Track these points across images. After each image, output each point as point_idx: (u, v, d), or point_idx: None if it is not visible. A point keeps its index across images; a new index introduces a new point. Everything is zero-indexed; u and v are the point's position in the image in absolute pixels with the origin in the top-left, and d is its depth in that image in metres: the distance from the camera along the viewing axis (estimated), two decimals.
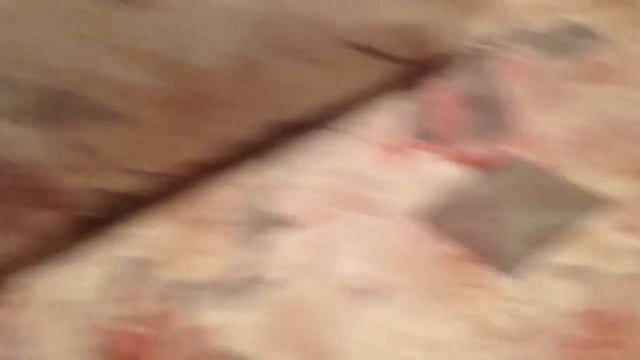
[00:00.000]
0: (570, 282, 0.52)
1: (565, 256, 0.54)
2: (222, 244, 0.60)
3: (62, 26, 0.59)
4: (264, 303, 0.55)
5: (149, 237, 0.63)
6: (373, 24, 0.67)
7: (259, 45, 0.63)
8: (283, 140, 0.69)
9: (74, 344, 0.56)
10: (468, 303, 0.52)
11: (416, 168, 0.63)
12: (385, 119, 0.68)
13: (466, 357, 0.49)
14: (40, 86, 0.60)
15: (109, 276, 0.60)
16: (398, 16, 0.68)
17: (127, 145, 0.63)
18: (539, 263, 0.54)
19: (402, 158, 0.64)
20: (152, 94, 0.62)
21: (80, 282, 0.61)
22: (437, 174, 0.62)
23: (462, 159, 0.63)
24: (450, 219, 0.58)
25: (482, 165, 0.62)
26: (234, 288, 0.57)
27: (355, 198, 0.62)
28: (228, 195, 0.65)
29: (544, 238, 0.55)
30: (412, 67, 0.71)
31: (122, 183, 0.65)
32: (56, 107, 0.61)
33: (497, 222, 0.57)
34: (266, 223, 0.62)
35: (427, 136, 0.65)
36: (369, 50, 0.68)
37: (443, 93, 0.69)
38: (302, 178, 0.65)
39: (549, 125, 0.63)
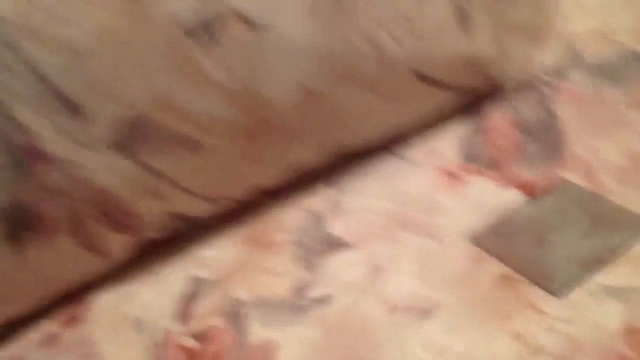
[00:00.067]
0: (617, 303, 0.53)
1: (612, 278, 0.55)
2: (283, 264, 0.64)
3: (141, 60, 0.64)
4: (319, 320, 0.59)
5: (214, 257, 0.68)
6: (437, 56, 0.70)
7: (325, 77, 0.67)
8: (345, 165, 0.73)
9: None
10: (515, 322, 0.54)
11: (471, 192, 0.66)
12: (444, 145, 0.71)
13: None
14: (118, 116, 0.65)
15: (176, 295, 0.65)
16: (461, 48, 0.71)
17: (198, 171, 0.68)
18: (586, 284, 0.55)
19: (458, 182, 0.67)
20: (224, 123, 0.66)
21: (149, 301, 0.65)
22: (491, 198, 0.64)
23: (516, 184, 0.65)
24: (501, 242, 0.60)
25: (535, 189, 0.64)
26: (293, 306, 0.61)
27: (411, 220, 0.65)
28: (291, 217, 0.69)
29: (593, 260, 0.56)
30: (473, 95, 0.73)
31: (192, 207, 0.70)
32: (133, 135, 0.65)
33: (547, 245, 0.59)
34: (325, 244, 0.65)
35: (484, 161, 0.68)
36: (433, 81, 0.71)
37: (501, 120, 0.71)
38: (362, 201, 0.68)
39: (603, 151, 0.64)
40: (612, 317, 0.53)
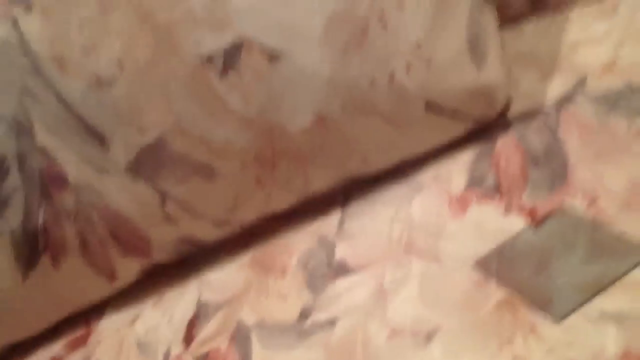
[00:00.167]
0: (615, 328, 0.54)
1: (611, 303, 0.55)
2: (289, 288, 0.66)
3: (161, 88, 0.66)
4: (323, 344, 0.60)
5: (220, 280, 0.69)
6: (449, 86, 0.71)
7: (337, 105, 0.69)
8: (353, 189, 0.74)
9: None
10: (516, 346, 0.55)
11: (476, 217, 0.67)
12: (451, 171, 0.72)
13: None
14: (136, 142, 0.67)
15: (181, 317, 0.66)
16: (472, 78, 0.72)
17: (211, 196, 0.69)
18: (586, 309, 0.55)
19: (464, 208, 0.68)
20: (238, 149, 0.68)
21: (154, 323, 0.67)
22: (495, 223, 0.65)
23: (520, 210, 0.66)
24: (503, 266, 0.61)
25: (538, 215, 0.64)
26: (297, 329, 0.62)
27: (416, 245, 0.66)
28: (298, 241, 0.70)
29: (593, 286, 0.57)
30: (481, 123, 0.75)
31: (202, 231, 0.71)
32: (150, 161, 0.67)
33: (548, 270, 0.59)
34: (332, 268, 0.67)
35: (491, 189, 0.69)
36: (443, 110, 0.72)
37: (507, 147, 0.73)
38: (368, 225, 0.70)
39: (606, 179, 0.65)
40: (611, 342, 0.53)
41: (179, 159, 0.67)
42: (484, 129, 0.76)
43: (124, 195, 0.68)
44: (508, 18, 0.95)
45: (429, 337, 0.57)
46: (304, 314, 0.63)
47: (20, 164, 0.67)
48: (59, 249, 0.68)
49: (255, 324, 0.63)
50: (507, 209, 0.66)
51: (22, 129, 0.67)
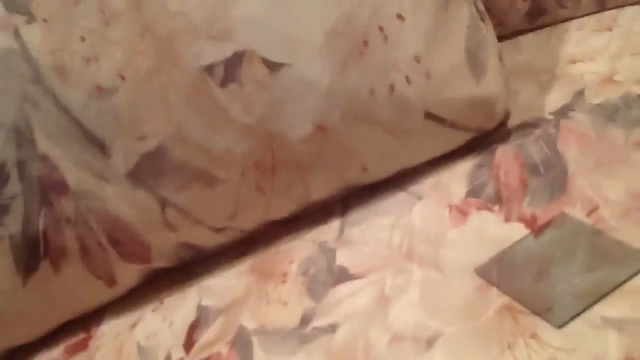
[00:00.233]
0: (616, 335, 0.54)
1: (612, 310, 0.56)
2: (289, 294, 0.66)
3: (162, 96, 0.67)
4: (324, 349, 0.60)
5: (220, 286, 0.69)
6: (448, 97, 0.72)
7: (337, 115, 0.69)
8: (353, 198, 0.74)
9: None
10: (517, 352, 0.55)
11: (476, 226, 0.67)
12: (451, 180, 0.73)
13: None
14: (136, 149, 0.67)
15: (182, 323, 0.66)
16: (471, 89, 0.73)
17: (210, 203, 0.69)
18: (587, 316, 0.56)
19: (464, 216, 0.68)
20: (238, 157, 0.68)
21: (154, 329, 0.67)
22: (495, 231, 0.66)
23: (520, 218, 0.66)
24: (504, 273, 0.61)
25: (539, 224, 0.65)
26: (298, 335, 0.62)
27: (417, 252, 0.66)
28: (298, 248, 0.70)
29: (593, 293, 0.57)
30: (480, 133, 0.75)
31: (202, 237, 0.71)
32: (150, 168, 0.67)
33: (549, 277, 0.60)
34: (332, 274, 0.67)
35: (489, 196, 0.69)
36: (442, 120, 0.73)
37: (506, 157, 0.73)
38: (368, 233, 0.70)
39: (605, 189, 0.65)
40: (612, 348, 0.53)
41: (179, 166, 0.68)
42: (484, 139, 0.76)
43: (124, 202, 0.68)
44: (506, 31, 0.96)
45: (430, 342, 0.57)
46: (305, 320, 0.63)
47: (21, 171, 0.67)
48: (59, 255, 0.68)
49: (256, 330, 0.63)
50: (507, 218, 0.67)
51: (22, 136, 0.67)
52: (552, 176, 0.69)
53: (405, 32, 0.70)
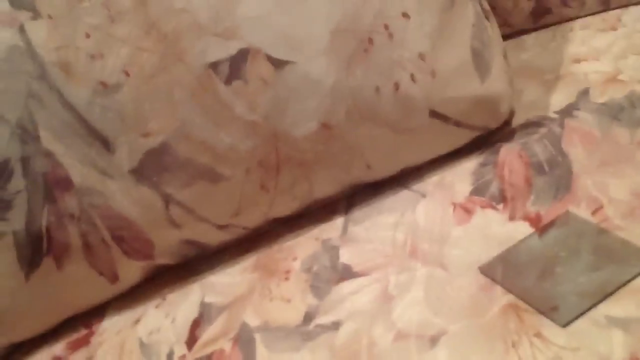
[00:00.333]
0: (621, 334, 0.54)
1: (617, 309, 0.56)
2: (292, 291, 0.66)
3: (166, 93, 0.66)
4: (327, 346, 0.60)
5: (223, 283, 0.69)
6: (453, 95, 0.72)
7: (342, 113, 0.69)
8: (358, 196, 0.74)
9: None
10: (521, 351, 0.54)
11: (480, 224, 0.67)
12: (456, 178, 0.73)
13: None
14: (141, 146, 0.67)
15: (184, 319, 0.66)
16: (476, 88, 0.73)
17: (214, 200, 0.69)
18: (591, 315, 0.56)
19: (468, 215, 0.68)
20: (243, 154, 0.68)
21: (157, 325, 0.67)
22: (499, 230, 0.65)
23: (525, 217, 0.66)
24: (508, 272, 0.61)
25: (543, 223, 0.65)
26: (302, 332, 0.62)
27: (421, 250, 0.66)
28: (302, 245, 0.70)
29: (598, 292, 0.57)
30: (485, 132, 0.75)
31: (206, 234, 0.71)
32: (154, 165, 0.67)
33: (553, 276, 0.59)
34: (336, 272, 0.66)
35: (495, 196, 0.69)
36: (447, 119, 0.73)
37: (511, 156, 0.73)
38: (372, 231, 0.70)
39: (610, 188, 0.65)
40: (617, 347, 0.53)
41: (183, 163, 0.68)
42: (488, 138, 0.76)
43: (127, 199, 0.68)
44: (511, 31, 0.96)
45: (434, 340, 0.57)
46: (308, 317, 0.63)
47: (25, 167, 0.67)
48: (62, 251, 0.68)
49: (259, 327, 0.63)
50: (512, 217, 0.66)
51: (27, 133, 0.67)
52: (556, 175, 0.69)
53: (411, 31, 0.70)
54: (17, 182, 0.67)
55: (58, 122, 0.67)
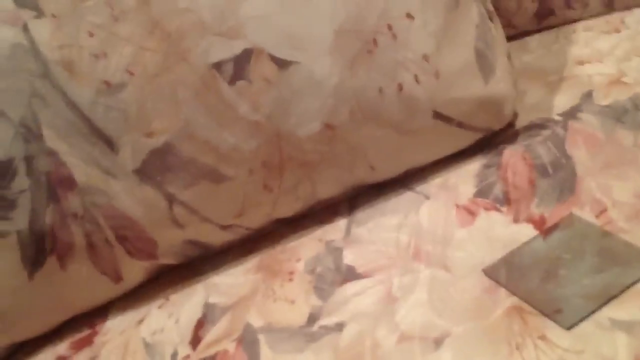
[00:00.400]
0: (625, 336, 0.54)
1: (621, 311, 0.56)
2: (296, 292, 0.66)
3: (170, 93, 0.66)
4: (331, 348, 0.60)
5: (227, 284, 0.69)
6: (457, 97, 0.72)
7: (346, 113, 0.69)
8: (361, 197, 0.74)
9: None
10: (525, 353, 0.55)
11: (484, 226, 0.67)
12: (459, 180, 0.73)
13: None
14: (144, 146, 0.67)
15: (188, 320, 0.66)
16: (480, 90, 0.73)
17: (218, 200, 0.69)
18: (595, 317, 0.56)
19: (472, 217, 0.68)
20: (246, 155, 0.68)
21: (161, 325, 0.67)
22: (503, 232, 0.66)
23: (529, 219, 0.66)
24: (512, 274, 0.61)
25: (547, 226, 0.65)
26: (305, 333, 0.62)
27: (424, 252, 0.66)
28: (306, 246, 0.70)
29: (602, 294, 0.57)
30: (488, 133, 0.75)
31: (209, 235, 0.71)
32: (157, 164, 0.67)
33: (557, 278, 0.59)
34: (339, 273, 0.67)
35: (498, 198, 0.69)
36: (451, 120, 0.73)
37: (515, 157, 0.73)
38: (376, 232, 0.70)
39: (614, 190, 0.65)
40: (621, 350, 0.53)
41: (186, 163, 0.68)
42: (491, 139, 0.76)
43: (131, 198, 0.68)
44: (514, 32, 0.96)
45: (438, 342, 0.57)
46: (312, 319, 0.63)
47: (28, 166, 0.67)
48: (65, 250, 0.68)
49: (263, 327, 0.63)
50: (516, 219, 0.66)
51: (30, 132, 0.67)
52: (560, 177, 0.69)
53: (415, 31, 0.70)
54: (21, 182, 0.67)
55: (61, 121, 0.67)
